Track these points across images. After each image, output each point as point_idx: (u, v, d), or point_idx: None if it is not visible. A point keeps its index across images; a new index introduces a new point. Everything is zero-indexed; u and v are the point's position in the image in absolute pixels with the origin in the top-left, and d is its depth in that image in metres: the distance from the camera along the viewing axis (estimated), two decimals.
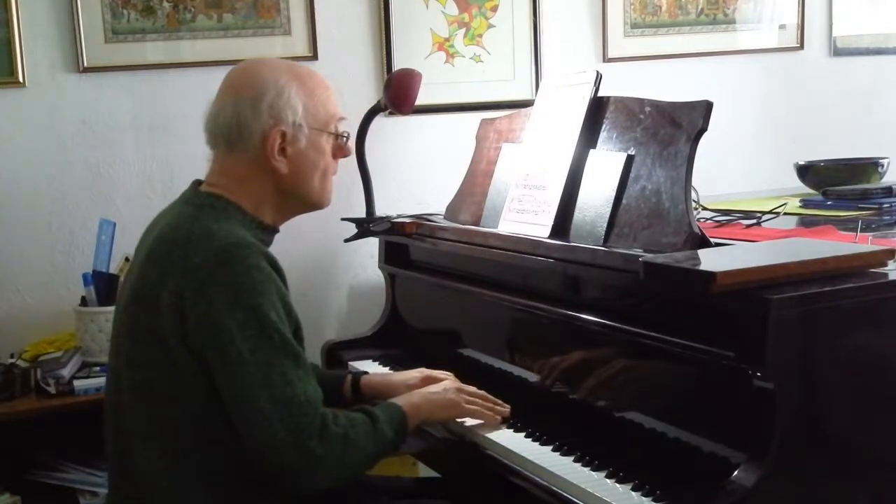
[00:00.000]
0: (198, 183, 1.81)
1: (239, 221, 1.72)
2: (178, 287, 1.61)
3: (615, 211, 1.87)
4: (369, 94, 2.90)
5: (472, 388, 1.95)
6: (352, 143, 1.91)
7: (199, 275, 1.60)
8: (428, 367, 2.08)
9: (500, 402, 1.92)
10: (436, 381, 1.98)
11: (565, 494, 1.60)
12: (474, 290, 2.21)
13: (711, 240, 1.73)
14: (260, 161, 1.74)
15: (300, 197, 1.81)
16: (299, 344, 1.67)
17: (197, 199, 1.75)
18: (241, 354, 1.58)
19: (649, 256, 1.60)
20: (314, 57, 2.89)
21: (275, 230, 1.82)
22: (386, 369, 2.36)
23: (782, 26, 3.40)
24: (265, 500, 1.68)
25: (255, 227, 1.74)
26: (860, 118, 3.45)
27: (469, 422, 1.91)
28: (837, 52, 3.48)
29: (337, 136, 1.83)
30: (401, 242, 2.52)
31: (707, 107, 1.78)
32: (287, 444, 1.58)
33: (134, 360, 1.68)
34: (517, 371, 2.08)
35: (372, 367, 2.39)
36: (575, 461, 1.69)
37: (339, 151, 1.85)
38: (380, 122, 2.69)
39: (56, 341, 2.63)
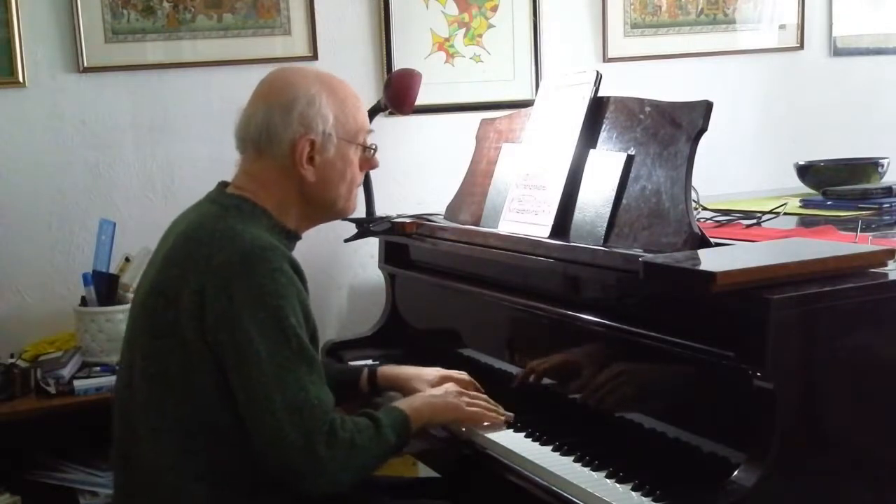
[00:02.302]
0: (224, 184, 1.82)
1: (263, 225, 1.73)
2: (201, 284, 1.62)
3: (615, 211, 1.88)
4: (369, 94, 2.89)
5: (475, 392, 1.96)
6: (379, 156, 1.92)
7: (222, 273, 1.61)
8: (427, 367, 2.08)
9: (502, 409, 1.92)
10: (452, 380, 1.99)
11: (565, 494, 1.61)
12: (474, 290, 2.21)
13: (711, 240, 1.73)
14: (287, 168, 1.76)
15: (324, 205, 1.82)
16: (314, 349, 1.69)
17: (223, 200, 1.76)
18: (259, 355, 1.59)
19: (649, 256, 1.60)
20: (314, 57, 2.89)
21: (297, 237, 1.84)
22: None
23: (782, 26, 3.40)
24: (268, 499, 1.68)
25: (277, 232, 1.76)
26: (860, 118, 3.44)
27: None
28: (837, 52, 3.48)
29: (365, 147, 1.84)
30: (401, 242, 2.52)
31: (707, 107, 1.78)
32: (296, 447, 1.59)
33: (149, 353, 1.69)
34: (517, 371, 2.08)
35: None
36: (575, 461, 1.69)
37: (367, 163, 1.87)
38: (380, 122, 2.68)
39: (56, 341, 2.63)
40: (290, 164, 1.75)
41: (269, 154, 1.76)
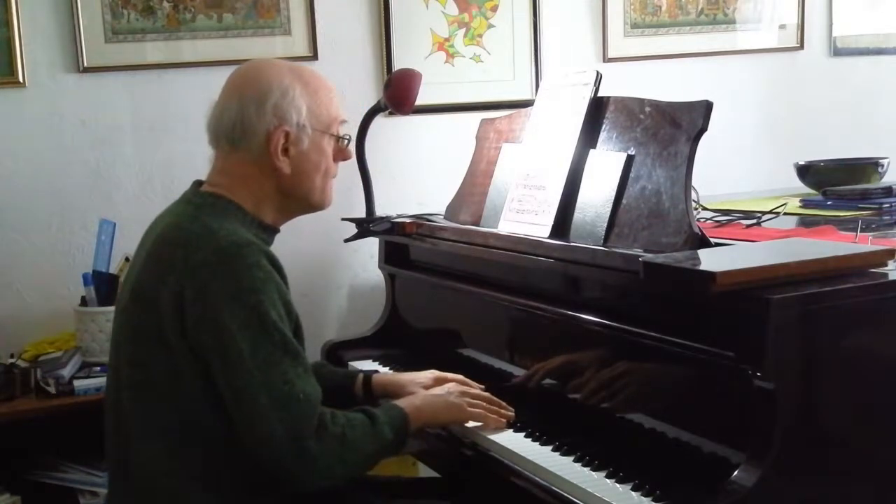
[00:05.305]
0: (198, 183, 1.81)
1: (239, 221, 1.72)
2: (179, 285, 1.61)
3: (615, 211, 1.88)
4: (369, 94, 2.89)
5: (476, 391, 1.95)
6: (352, 147, 1.92)
7: (199, 273, 1.61)
8: (427, 367, 2.08)
9: (504, 404, 1.92)
10: (447, 382, 1.98)
11: (565, 494, 1.61)
12: (474, 290, 2.21)
13: (711, 240, 1.73)
14: (262, 161, 1.75)
15: (301, 198, 1.81)
16: (299, 343, 1.68)
17: (197, 199, 1.75)
18: (242, 353, 1.58)
19: (649, 256, 1.60)
20: (314, 57, 2.89)
21: (275, 230, 1.82)
22: (386, 369, 2.36)
23: (782, 26, 3.40)
24: (264, 499, 1.68)
25: (255, 227, 1.75)
26: (860, 118, 3.45)
27: (470, 423, 1.90)
28: (837, 52, 3.48)
29: (338, 138, 1.84)
30: (401, 242, 2.52)
31: (707, 107, 1.78)
32: (284, 442, 1.58)
33: (134, 358, 1.68)
34: (517, 371, 2.08)
35: (372, 367, 2.39)
36: (575, 461, 1.69)
37: (340, 154, 1.86)
38: (380, 122, 2.69)
39: (56, 341, 2.63)
40: (264, 156, 1.74)
41: (244, 147, 1.75)
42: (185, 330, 1.61)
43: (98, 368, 2.43)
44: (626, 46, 3.22)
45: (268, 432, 1.58)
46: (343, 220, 2.58)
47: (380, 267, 2.69)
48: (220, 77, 1.84)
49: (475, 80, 3.07)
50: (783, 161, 2.90)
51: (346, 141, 1.86)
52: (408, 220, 2.47)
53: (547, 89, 2.22)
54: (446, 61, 3.05)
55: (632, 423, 1.74)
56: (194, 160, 2.69)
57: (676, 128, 1.82)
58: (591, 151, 2.00)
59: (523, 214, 2.10)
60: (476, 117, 2.57)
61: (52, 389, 2.37)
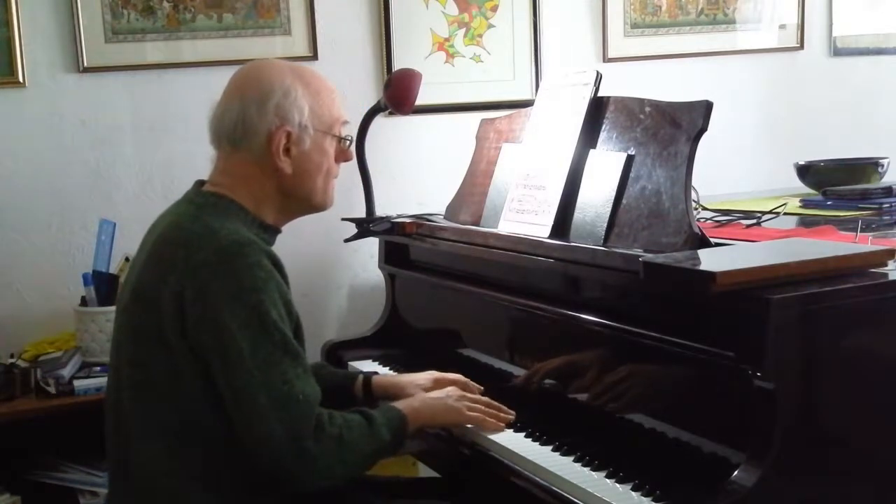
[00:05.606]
0: (200, 183, 1.82)
1: (240, 220, 1.72)
2: (180, 285, 1.61)
3: (615, 211, 1.88)
4: (369, 94, 2.89)
5: (476, 395, 1.95)
6: (353, 148, 1.92)
7: (200, 273, 1.61)
8: (427, 367, 2.08)
9: (504, 408, 1.92)
10: (446, 382, 1.98)
11: (565, 494, 1.61)
12: (474, 290, 2.21)
13: (711, 240, 1.73)
14: (264, 161, 1.75)
15: (302, 198, 1.81)
16: (299, 343, 1.68)
17: (199, 199, 1.75)
18: (242, 353, 1.58)
19: (649, 256, 1.60)
20: (314, 57, 2.89)
21: (277, 230, 1.82)
22: (386, 369, 2.36)
23: (782, 26, 3.40)
24: (264, 499, 1.68)
25: (256, 227, 1.75)
26: (860, 118, 3.45)
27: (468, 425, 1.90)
28: (837, 52, 3.48)
29: (340, 139, 1.84)
30: (401, 242, 2.52)
31: (707, 107, 1.78)
32: (282, 442, 1.58)
33: (134, 358, 1.68)
34: (517, 371, 2.08)
35: (372, 367, 2.39)
36: (575, 461, 1.69)
37: (342, 155, 1.86)
38: (380, 122, 2.69)
39: (56, 341, 2.63)
40: (266, 156, 1.74)
41: (245, 148, 1.75)
42: (186, 330, 1.61)
43: (98, 368, 2.43)
44: (626, 46, 3.22)
45: (267, 432, 1.58)
46: (343, 220, 2.58)
47: (380, 267, 2.69)
48: (220, 77, 1.84)
49: (475, 80, 3.07)
50: (783, 161, 2.90)
51: (347, 142, 1.86)
52: (408, 220, 2.47)
53: (547, 89, 2.22)
54: (446, 61, 3.05)
55: (632, 423, 1.74)
56: (194, 160, 2.71)
57: (676, 128, 1.82)
58: (591, 151, 2.00)
59: (523, 214, 2.10)
60: (476, 117, 2.57)
61: (52, 389, 2.37)
